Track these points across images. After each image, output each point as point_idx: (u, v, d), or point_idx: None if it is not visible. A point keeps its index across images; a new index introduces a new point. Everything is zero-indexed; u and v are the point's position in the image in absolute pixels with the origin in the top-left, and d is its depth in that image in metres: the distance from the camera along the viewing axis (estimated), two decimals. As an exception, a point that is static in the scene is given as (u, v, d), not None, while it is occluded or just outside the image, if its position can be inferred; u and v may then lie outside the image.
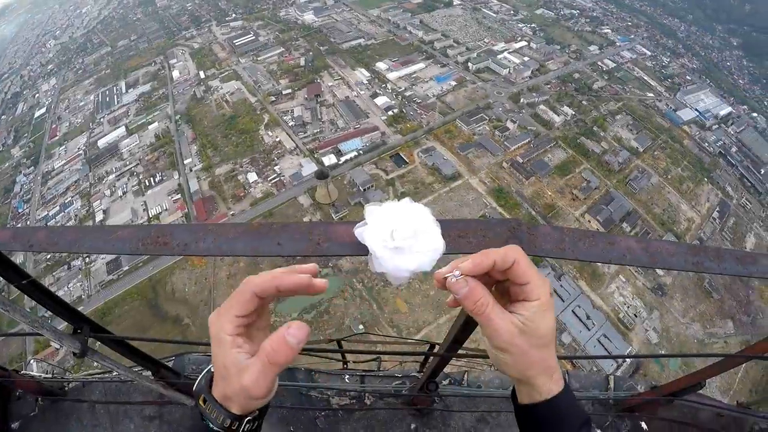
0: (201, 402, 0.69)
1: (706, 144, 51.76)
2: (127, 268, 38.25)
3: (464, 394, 2.48)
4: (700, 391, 2.34)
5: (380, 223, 0.86)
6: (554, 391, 0.69)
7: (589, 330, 33.04)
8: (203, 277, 37.00)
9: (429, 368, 2.06)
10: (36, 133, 58.55)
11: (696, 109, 55.24)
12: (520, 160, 47.03)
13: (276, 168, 47.12)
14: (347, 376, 2.64)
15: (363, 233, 0.88)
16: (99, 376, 2.81)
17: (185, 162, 48.97)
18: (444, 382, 2.61)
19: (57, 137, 56.87)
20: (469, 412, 2.60)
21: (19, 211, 48.29)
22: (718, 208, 43.79)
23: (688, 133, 52.47)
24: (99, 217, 43.74)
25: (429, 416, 2.58)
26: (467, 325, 1.31)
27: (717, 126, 54.31)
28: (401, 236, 0.82)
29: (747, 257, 1.09)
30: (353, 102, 56.13)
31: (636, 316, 34.33)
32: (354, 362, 2.84)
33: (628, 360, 30.80)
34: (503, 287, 0.75)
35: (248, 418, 0.68)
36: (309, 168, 45.79)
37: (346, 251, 0.95)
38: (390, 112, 53.91)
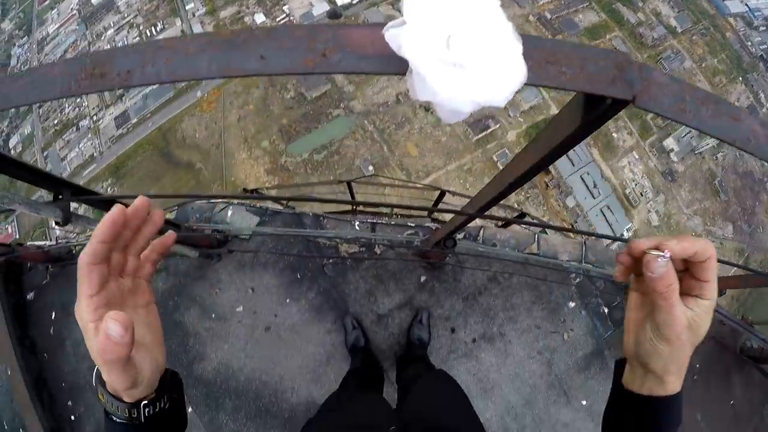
0: (100, 396, 0.58)
1: (749, 43, 45.07)
2: (135, 120, 37.38)
3: (479, 252, 2.37)
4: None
5: (428, 23, 0.49)
6: (677, 390, 0.65)
7: (594, 198, 33.25)
8: (213, 122, 36.34)
9: (451, 224, 1.88)
10: (24, 2, 52.62)
11: (746, 4, 48.21)
12: (549, 16, 41.90)
13: (285, 8, 42.29)
14: (357, 223, 2.51)
15: (399, 38, 0.51)
16: None
17: (187, 7, 43.94)
18: (459, 236, 2.48)
19: (47, 1, 51.08)
20: (481, 270, 2.52)
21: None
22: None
23: (732, 26, 45.79)
24: (102, 77, 40.97)
25: (440, 270, 2.52)
26: (512, 186, 1.14)
27: (765, 28, 47.88)
28: (463, 46, 0.48)
29: None
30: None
31: (642, 195, 34.32)
32: (365, 206, 2.74)
33: (627, 235, 31.67)
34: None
35: (144, 402, 0.58)
36: (320, 7, 41.19)
37: (367, 67, 0.58)
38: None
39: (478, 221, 2.54)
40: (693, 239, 0.58)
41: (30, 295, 3.08)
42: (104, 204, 1.72)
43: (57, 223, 1.48)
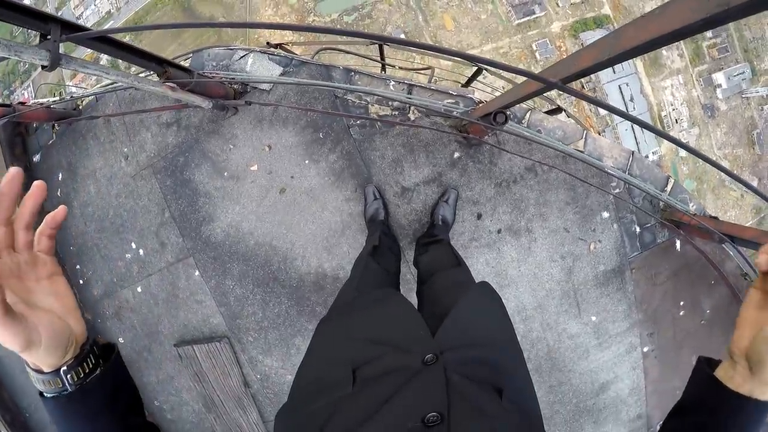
0: (30, 376, 0.58)
1: None
2: None
3: (524, 136, 2.10)
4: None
5: None
6: None
7: (628, 111, 32.00)
8: None
9: (511, 94, 1.59)
10: None
11: None
12: None
13: None
14: (392, 83, 2.21)
15: None
16: (112, 87, 2.48)
17: None
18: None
19: None
20: (520, 157, 2.27)
21: None
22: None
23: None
24: None
25: (476, 149, 2.26)
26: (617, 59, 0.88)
27: None
28: None
29: None
30: None
31: (677, 122, 32.46)
32: (400, 68, 2.43)
33: (651, 158, 30.82)
34: None
35: (63, 368, 0.56)
36: None
37: None
38: None
39: (525, 103, 2.24)
40: None
41: (36, 157, 2.97)
42: (98, 43, 1.46)
43: (44, 67, 1.25)
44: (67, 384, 0.57)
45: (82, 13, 35.18)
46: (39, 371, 0.56)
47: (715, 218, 2.31)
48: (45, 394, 0.58)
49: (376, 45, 3.02)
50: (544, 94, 1.56)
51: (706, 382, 0.65)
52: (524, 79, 1.39)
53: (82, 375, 0.58)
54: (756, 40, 36.16)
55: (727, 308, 2.64)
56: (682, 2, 0.71)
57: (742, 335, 0.61)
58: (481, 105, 2.12)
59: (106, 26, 34.06)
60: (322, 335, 0.98)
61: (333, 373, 0.79)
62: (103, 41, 1.48)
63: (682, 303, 2.64)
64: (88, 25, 34.15)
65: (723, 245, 2.38)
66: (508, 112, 1.78)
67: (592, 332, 2.68)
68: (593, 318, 2.64)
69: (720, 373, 0.64)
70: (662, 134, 1.00)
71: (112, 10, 35.19)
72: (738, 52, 34.99)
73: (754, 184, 34.07)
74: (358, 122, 2.29)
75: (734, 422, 0.62)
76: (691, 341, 2.73)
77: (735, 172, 33.57)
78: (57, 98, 2.76)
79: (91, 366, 0.59)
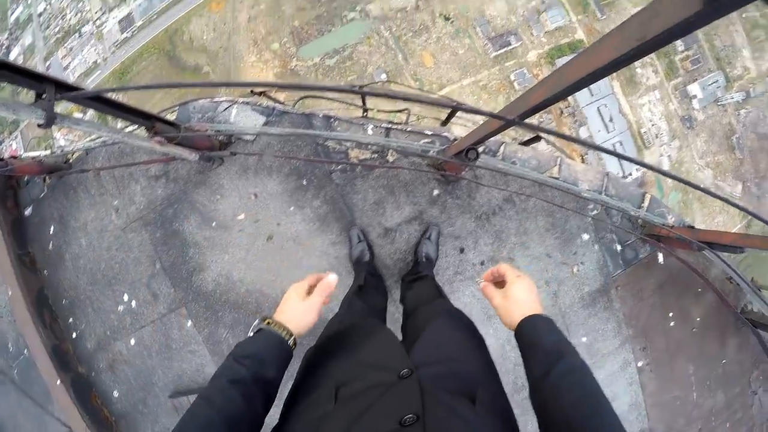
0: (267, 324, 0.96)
1: (797, 3, 42.38)
2: (140, 22, 35.02)
3: (499, 169, 2.19)
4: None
5: None
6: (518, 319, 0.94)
7: (608, 132, 32.23)
8: (222, 22, 34.16)
9: (478, 132, 1.68)
10: None
11: None
12: None
13: None
14: (371, 127, 2.30)
15: None
16: (102, 140, 2.56)
17: None
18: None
19: None
20: (497, 189, 2.36)
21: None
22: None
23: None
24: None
25: (454, 185, 2.34)
26: (574, 87, 1.00)
27: None
28: None
29: None
30: None
31: (657, 137, 33.16)
32: (379, 111, 2.53)
33: (635, 175, 31.13)
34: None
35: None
36: None
37: None
38: None
39: (498, 136, 2.34)
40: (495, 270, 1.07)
41: (28, 210, 3.00)
42: (92, 102, 1.54)
43: (40, 125, 1.31)
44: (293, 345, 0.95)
45: (69, 63, 35.52)
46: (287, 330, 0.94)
47: (693, 227, 2.37)
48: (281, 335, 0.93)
49: (358, 86, 3.12)
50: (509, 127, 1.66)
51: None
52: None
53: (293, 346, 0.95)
54: (726, 48, 37.21)
55: (717, 314, 2.68)
56: (609, 39, 0.83)
57: (507, 306, 0.97)
58: (455, 142, 2.21)
59: (93, 76, 34.48)
60: (307, 360, 1.06)
61: (317, 393, 0.87)
62: (97, 100, 1.56)
63: (671, 314, 2.68)
64: (76, 74, 34.51)
65: (704, 252, 2.43)
66: (479, 148, 1.86)
67: (585, 353, 2.69)
68: (584, 339, 2.67)
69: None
70: (625, 158, 1.10)
71: (98, 60, 35.66)
72: (710, 61, 35.99)
73: (738, 188, 34.51)
74: (339, 167, 2.37)
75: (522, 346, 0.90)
76: (684, 350, 2.76)
77: (719, 178, 34.08)
78: (48, 152, 2.82)
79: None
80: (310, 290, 1.04)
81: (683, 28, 0.65)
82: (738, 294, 2.63)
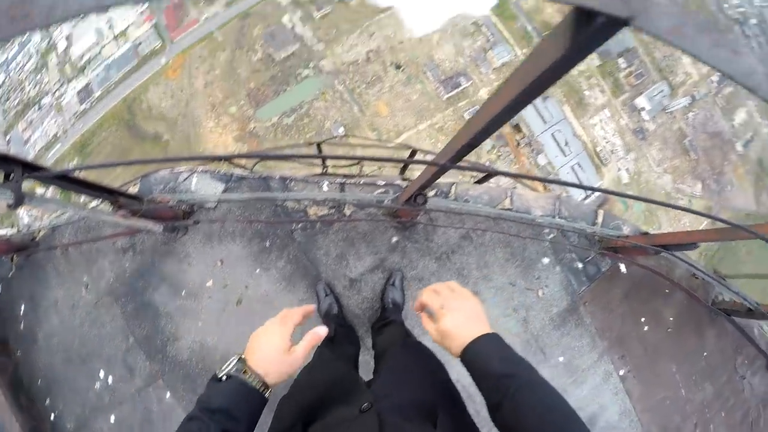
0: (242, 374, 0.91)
1: (726, 5, 46.13)
2: (99, 93, 35.18)
3: (451, 209, 2.32)
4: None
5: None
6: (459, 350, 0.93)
7: (565, 156, 33.54)
8: (179, 89, 34.71)
9: (421, 178, 1.81)
10: None
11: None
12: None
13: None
14: (326, 183, 2.41)
15: None
16: (67, 217, 2.60)
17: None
18: (430, 194, 2.41)
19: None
20: (453, 228, 2.47)
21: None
22: (718, 74, 40.32)
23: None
24: (62, 46, 37.23)
25: (412, 230, 2.45)
26: (487, 130, 1.12)
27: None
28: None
29: None
30: None
31: (612, 153, 34.63)
32: (334, 167, 2.65)
33: (596, 194, 32.11)
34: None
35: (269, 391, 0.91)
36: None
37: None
38: None
39: (449, 177, 2.48)
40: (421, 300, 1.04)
41: None
42: (59, 180, 1.60)
43: (9, 206, 1.36)
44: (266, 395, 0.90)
45: (30, 136, 34.95)
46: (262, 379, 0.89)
47: (647, 233, 2.46)
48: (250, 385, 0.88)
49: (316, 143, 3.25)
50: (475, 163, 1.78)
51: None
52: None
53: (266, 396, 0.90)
54: (666, 58, 39.43)
55: (689, 310, 2.73)
56: (508, 85, 0.94)
57: (443, 341, 0.95)
58: (407, 187, 2.33)
59: (54, 149, 34.04)
60: (279, 405, 1.11)
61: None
62: (63, 179, 1.61)
63: (642, 319, 2.74)
64: (37, 148, 34.00)
65: (664, 255, 2.50)
66: (428, 192, 1.98)
67: (564, 372, 2.73)
68: (561, 359, 2.71)
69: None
70: (574, 185, 1.21)
71: (59, 133, 35.26)
72: (653, 73, 38.04)
73: (698, 187, 35.89)
74: (299, 226, 2.46)
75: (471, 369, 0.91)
76: (663, 351, 2.80)
77: (678, 181, 35.44)
78: (15, 230, 2.80)
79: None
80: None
81: (559, 67, 0.75)
82: (707, 287, 2.69)
